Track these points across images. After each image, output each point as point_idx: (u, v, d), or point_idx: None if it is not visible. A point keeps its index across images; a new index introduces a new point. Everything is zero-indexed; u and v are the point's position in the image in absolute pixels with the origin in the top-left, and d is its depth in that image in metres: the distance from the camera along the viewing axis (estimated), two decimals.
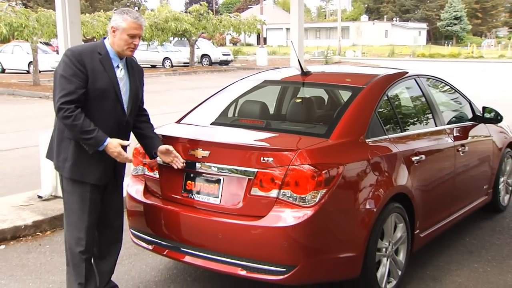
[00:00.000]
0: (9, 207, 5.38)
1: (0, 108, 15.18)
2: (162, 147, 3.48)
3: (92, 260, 3.46)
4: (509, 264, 4.30)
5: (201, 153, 3.41)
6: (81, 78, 3.09)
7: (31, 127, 10.84)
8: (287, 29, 55.80)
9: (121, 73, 3.30)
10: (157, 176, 3.70)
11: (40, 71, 20.59)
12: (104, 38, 3.32)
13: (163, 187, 3.66)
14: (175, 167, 3.47)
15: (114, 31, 3.21)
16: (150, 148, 3.54)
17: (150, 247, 3.69)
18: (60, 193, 5.40)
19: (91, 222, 3.29)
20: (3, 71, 27.37)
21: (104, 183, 3.33)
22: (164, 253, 3.62)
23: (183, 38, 31.07)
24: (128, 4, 55.81)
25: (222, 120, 4.24)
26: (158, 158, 3.62)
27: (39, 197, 5.58)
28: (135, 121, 3.49)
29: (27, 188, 6.13)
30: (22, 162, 7.96)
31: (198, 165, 3.43)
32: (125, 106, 3.32)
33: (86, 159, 3.21)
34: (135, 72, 3.43)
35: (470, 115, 5.13)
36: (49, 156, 3.40)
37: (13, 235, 4.85)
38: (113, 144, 3.18)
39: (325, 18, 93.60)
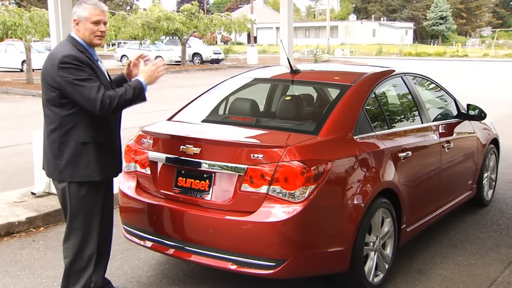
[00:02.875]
0: (2, 203, 5.40)
1: None
2: (126, 70, 3.48)
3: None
4: (493, 257, 4.39)
5: (192, 150, 3.45)
6: (94, 76, 3.08)
7: (24, 125, 10.85)
8: (277, 28, 55.81)
9: (102, 65, 3.29)
10: (149, 172, 3.74)
11: (33, 70, 20.52)
12: (69, 34, 3.23)
13: (155, 183, 3.70)
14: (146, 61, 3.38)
15: (77, 24, 3.14)
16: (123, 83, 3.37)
17: (142, 242, 3.73)
18: (53, 190, 5.47)
19: (98, 225, 3.27)
20: None
21: (117, 174, 3.42)
22: (156, 248, 3.67)
23: (174, 37, 30.99)
24: (120, 3, 55.50)
25: (213, 118, 4.29)
26: (150, 155, 3.69)
27: (33, 193, 5.60)
28: None
29: (21, 185, 6.15)
30: (15, 159, 7.97)
31: (189, 161, 3.48)
32: None
33: (106, 156, 3.23)
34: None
35: (455, 112, 5.20)
36: (52, 173, 3.24)
37: (7, 231, 4.87)
38: (145, 71, 3.22)
39: (314, 17, 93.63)
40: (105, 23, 3.20)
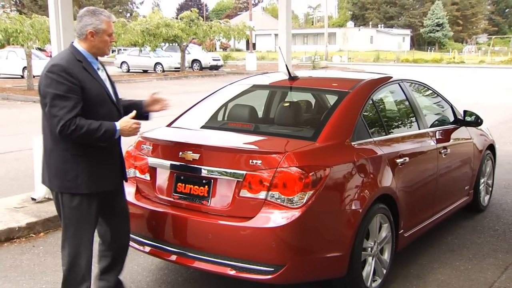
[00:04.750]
0: (3, 209, 5.41)
1: None
2: (148, 100, 3.48)
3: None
4: (489, 262, 4.42)
5: (191, 155, 3.48)
6: (76, 92, 2.99)
7: (25, 130, 10.81)
8: (276, 35, 55.87)
9: (103, 74, 3.26)
10: (148, 178, 3.76)
11: (34, 76, 20.53)
12: (71, 43, 3.22)
13: (154, 189, 3.73)
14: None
15: (93, 35, 3.12)
16: (139, 111, 3.37)
17: (141, 248, 3.75)
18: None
19: (92, 235, 3.24)
20: None
21: (116, 186, 3.33)
22: (155, 253, 3.68)
23: (174, 44, 31.13)
24: (120, 10, 55.55)
25: (212, 124, 4.32)
26: (149, 161, 3.71)
27: (33, 199, 5.61)
28: None
29: (21, 190, 6.15)
30: (16, 165, 7.98)
31: (188, 167, 3.50)
32: (118, 106, 3.29)
33: (98, 168, 3.15)
34: (105, 69, 3.41)
35: (451, 119, 5.23)
36: (45, 180, 3.24)
37: (7, 236, 4.88)
38: (124, 121, 3.10)
39: (312, 24, 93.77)
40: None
